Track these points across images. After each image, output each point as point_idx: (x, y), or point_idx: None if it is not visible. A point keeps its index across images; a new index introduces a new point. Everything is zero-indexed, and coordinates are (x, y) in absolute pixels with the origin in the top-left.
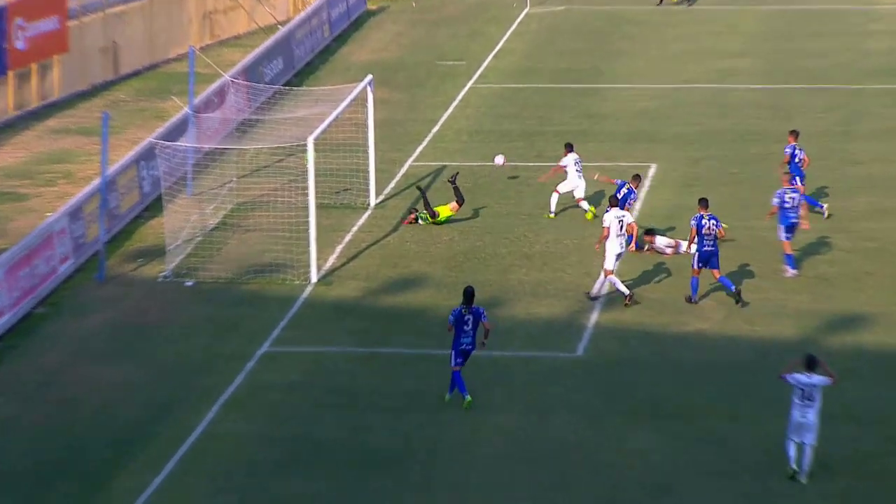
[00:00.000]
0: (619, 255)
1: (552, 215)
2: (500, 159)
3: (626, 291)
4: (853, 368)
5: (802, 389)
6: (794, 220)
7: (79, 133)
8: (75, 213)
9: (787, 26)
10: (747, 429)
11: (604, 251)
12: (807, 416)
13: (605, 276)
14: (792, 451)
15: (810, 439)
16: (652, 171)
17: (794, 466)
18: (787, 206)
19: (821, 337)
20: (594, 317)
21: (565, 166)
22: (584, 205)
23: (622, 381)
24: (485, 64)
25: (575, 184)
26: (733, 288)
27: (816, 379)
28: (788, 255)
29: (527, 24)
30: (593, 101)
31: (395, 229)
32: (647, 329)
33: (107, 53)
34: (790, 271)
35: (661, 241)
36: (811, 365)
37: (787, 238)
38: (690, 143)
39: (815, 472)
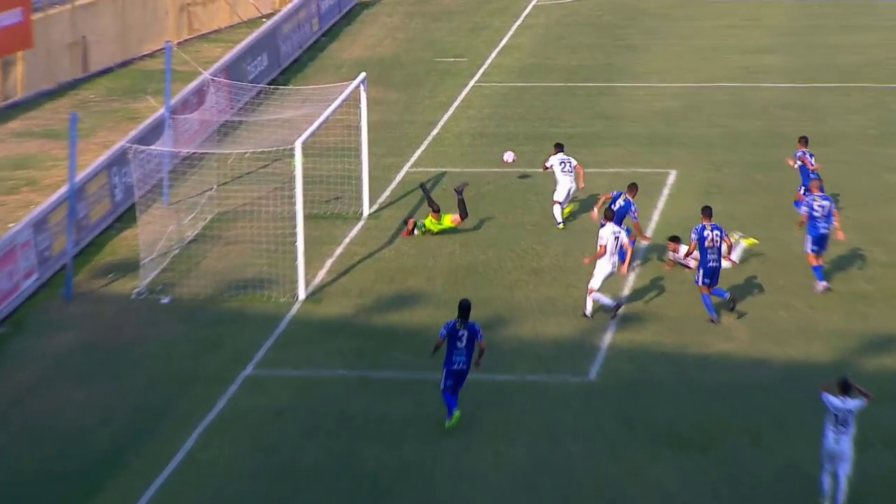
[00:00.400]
0: (608, 275)
1: (561, 226)
2: (509, 156)
3: (612, 303)
4: (893, 391)
5: (836, 415)
6: (823, 231)
7: (44, 136)
8: (40, 224)
9: (817, 20)
10: (771, 455)
11: (593, 266)
12: (840, 443)
13: (589, 294)
14: (826, 483)
15: (845, 469)
16: (671, 177)
17: (827, 503)
18: (815, 214)
19: (855, 358)
20: (608, 337)
21: (550, 167)
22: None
23: (637, 407)
24: (488, 61)
25: (567, 186)
26: (726, 296)
27: (851, 404)
28: (816, 268)
29: (534, 17)
30: (607, 101)
31: (390, 241)
32: (665, 350)
33: (75, 49)
34: (820, 285)
35: (684, 251)
36: (845, 389)
37: (814, 250)
38: (712, 146)
39: (849, 501)
